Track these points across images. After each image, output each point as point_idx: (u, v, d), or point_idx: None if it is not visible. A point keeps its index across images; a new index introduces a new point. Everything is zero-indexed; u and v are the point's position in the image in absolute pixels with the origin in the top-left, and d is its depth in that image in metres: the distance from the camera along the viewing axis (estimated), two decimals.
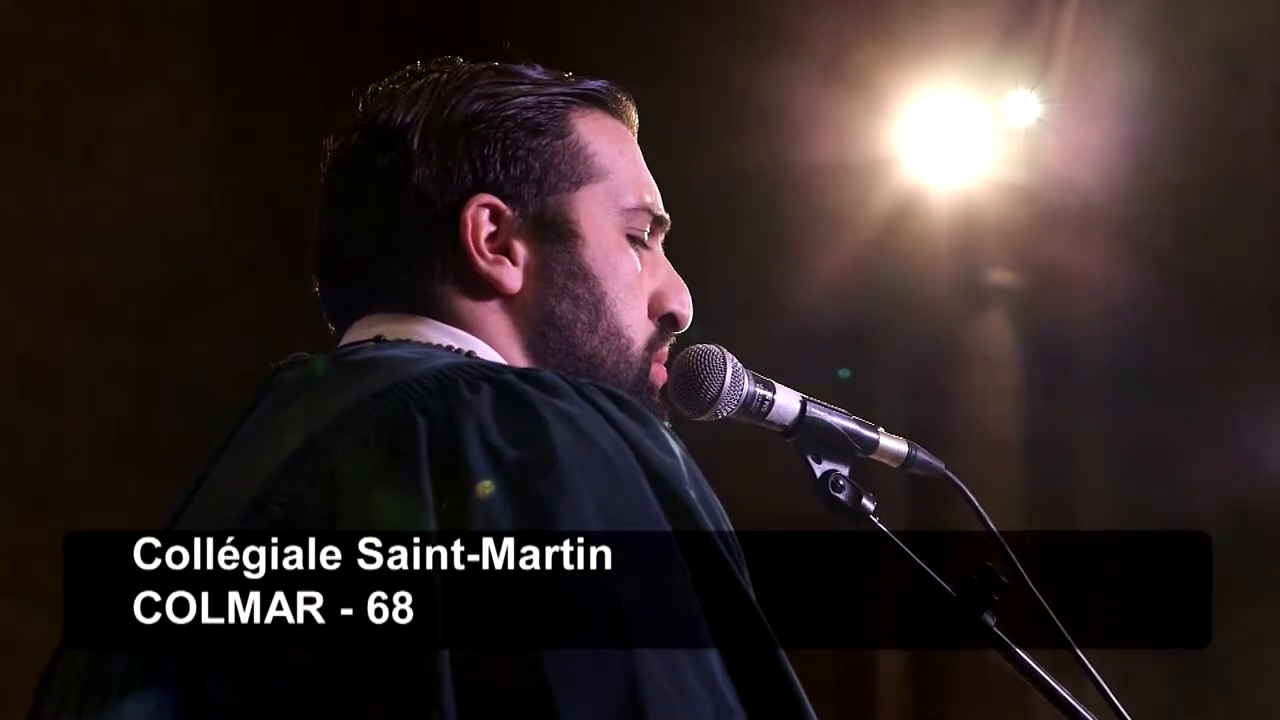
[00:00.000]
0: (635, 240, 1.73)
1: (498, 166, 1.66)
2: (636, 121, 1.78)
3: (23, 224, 4.92)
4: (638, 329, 1.72)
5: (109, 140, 5.00)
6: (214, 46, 5.13)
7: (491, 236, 1.66)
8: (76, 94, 4.97)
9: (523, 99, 1.68)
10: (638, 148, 1.77)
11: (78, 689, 1.51)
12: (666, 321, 1.75)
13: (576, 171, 1.69)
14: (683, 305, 1.76)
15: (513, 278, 1.66)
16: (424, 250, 1.65)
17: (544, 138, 1.68)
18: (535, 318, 1.67)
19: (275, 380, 1.61)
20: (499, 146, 1.66)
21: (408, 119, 1.66)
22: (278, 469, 1.45)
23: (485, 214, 1.65)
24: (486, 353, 1.63)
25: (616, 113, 1.76)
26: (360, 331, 1.66)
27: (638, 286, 1.72)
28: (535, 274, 1.67)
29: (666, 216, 1.76)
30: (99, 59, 4.99)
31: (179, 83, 5.08)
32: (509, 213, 1.66)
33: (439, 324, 1.65)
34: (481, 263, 1.65)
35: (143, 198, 4.94)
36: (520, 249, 1.67)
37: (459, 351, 1.61)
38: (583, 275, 1.69)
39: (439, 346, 1.62)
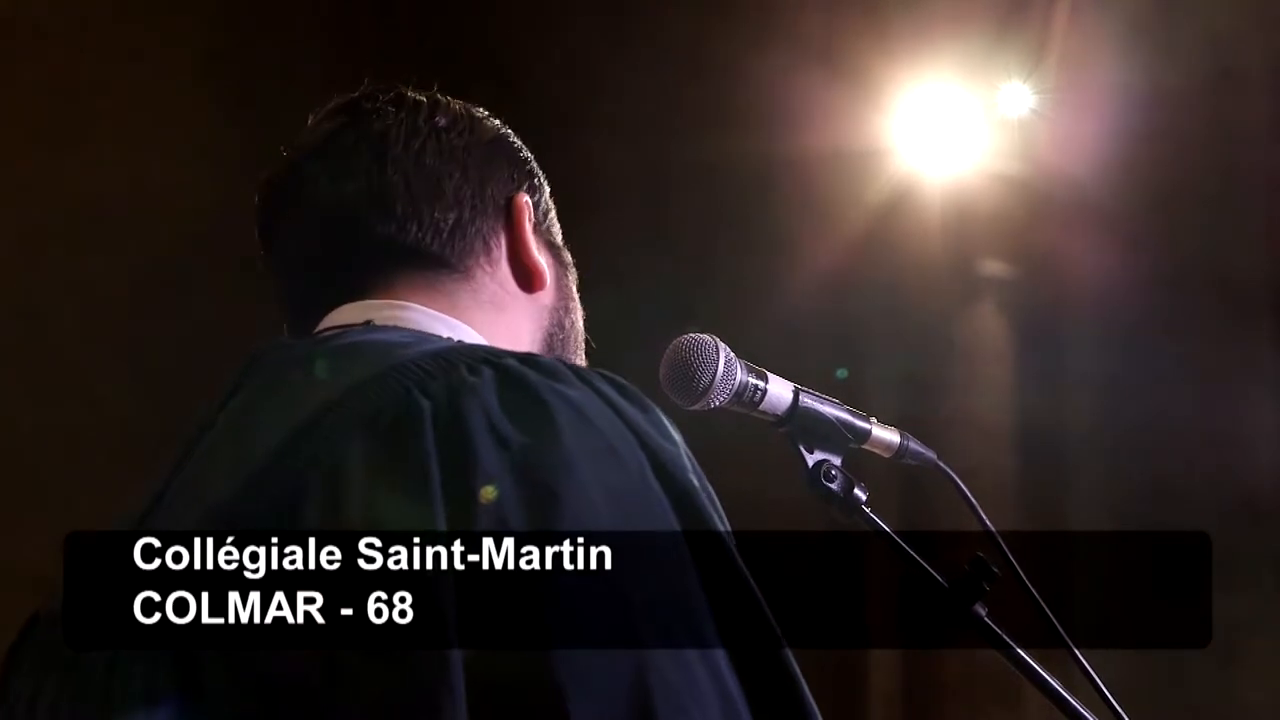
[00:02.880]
0: None
1: (524, 180, 1.73)
2: None
3: (18, 215, 4.91)
4: None
5: (105, 129, 4.99)
6: (210, 32, 5.12)
7: (534, 228, 1.70)
8: (71, 80, 4.96)
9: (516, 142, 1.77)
10: None
11: (55, 681, 1.50)
12: None
13: (552, 231, 1.76)
14: None
15: (548, 271, 1.71)
16: (469, 235, 1.67)
17: (539, 192, 1.75)
18: (551, 322, 1.72)
19: (261, 361, 1.61)
20: (524, 170, 1.73)
21: (446, 120, 1.70)
22: (273, 450, 1.44)
23: (528, 208, 1.69)
24: (475, 340, 1.63)
25: None
26: (350, 315, 1.65)
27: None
28: (552, 279, 1.72)
29: None
30: (94, 44, 4.98)
31: (174, 68, 5.07)
32: (536, 215, 1.72)
33: (429, 310, 1.65)
34: (531, 249, 1.69)
35: (139, 187, 4.93)
36: (546, 254, 1.72)
37: (449, 337, 1.61)
38: (575, 304, 1.76)
39: (427, 333, 1.61)
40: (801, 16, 5.31)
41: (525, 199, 1.70)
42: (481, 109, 1.76)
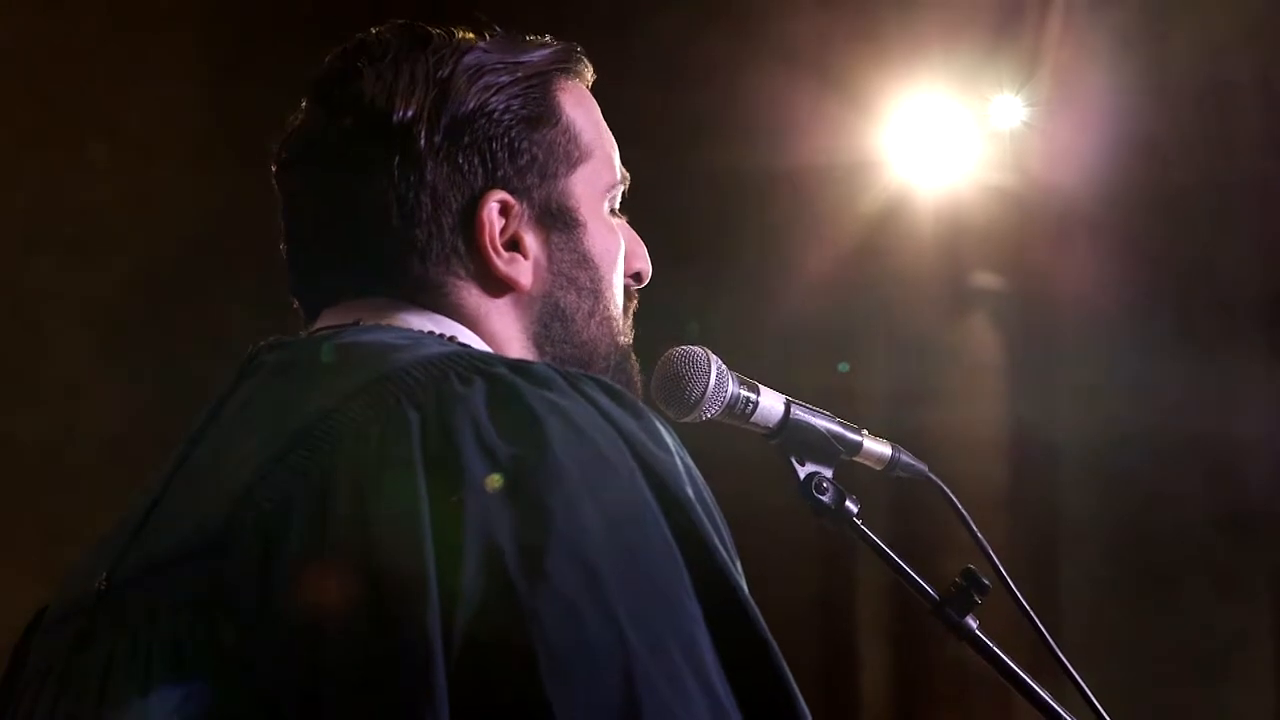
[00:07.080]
0: (611, 212, 1.73)
1: (505, 161, 1.64)
2: (591, 76, 1.77)
3: (15, 221, 4.91)
4: (620, 304, 1.72)
5: (100, 136, 4.98)
6: (207, 40, 5.12)
7: (502, 231, 1.64)
8: (67, 88, 4.96)
9: (515, 86, 1.66)
10: (598, 107, 1.76)
11: (55, 679, 1.50)
12: (633, 279, 1.76)
13: (571, 155, 1.68)
14: (646, 261, 1.77)
15: (526, 274, 1.65)
16: (441, 248, 1.63)
17: (543, 128, 1.67)
18: (542, 311, 1.66)
19: (256, 362, 1.60)
20: (505, 141, 1.64)
21: (410, 113, 1.62)
22: (266, 460, 1.43)
23: (496, 210, 1.63)
24: (468, 337, 1.62)
25: (580, 74, 1.75)
26: (340, 315, 1.64)
27: (620, 263, 1.73)
28: (544, 266, 1.66)
29: (628, 176, 1.76)
30: (91, 53, 4.98)
31: (171, 77, 5.06)
32: (517, 206, 1.64)
33: (421, 310, 1.63)
34: (499, 263, 1.63)
35: (137, 191, 4.92)
36: (529, 242, 1.65)
37: (441, 336, 1.59)
38: (585, 263, 1.68)
39: (420, 331, 1.60)
40: (794, 28, 5.31)
41: (489, 207, 1.63)
42: (452, 55, 1.65)
